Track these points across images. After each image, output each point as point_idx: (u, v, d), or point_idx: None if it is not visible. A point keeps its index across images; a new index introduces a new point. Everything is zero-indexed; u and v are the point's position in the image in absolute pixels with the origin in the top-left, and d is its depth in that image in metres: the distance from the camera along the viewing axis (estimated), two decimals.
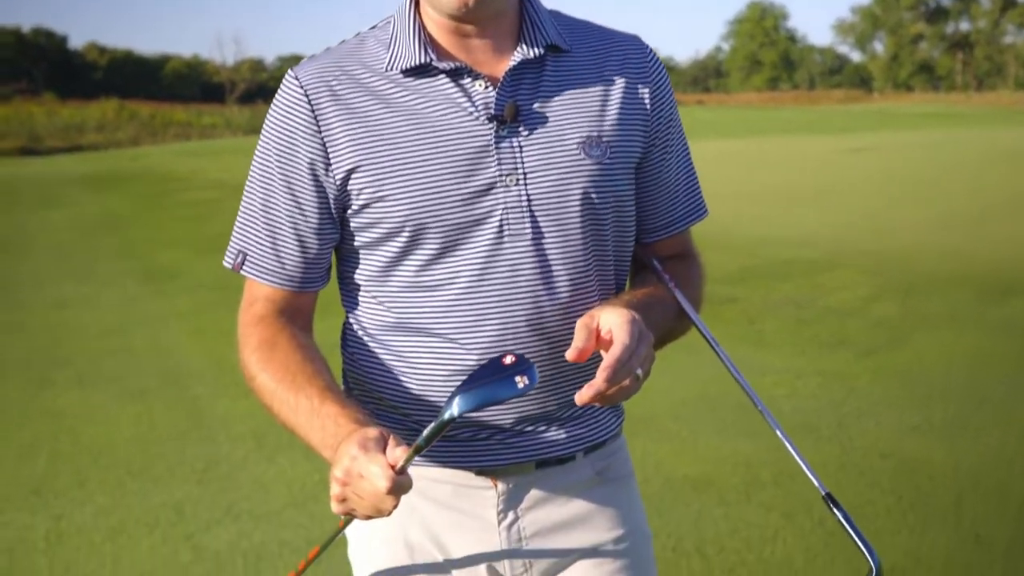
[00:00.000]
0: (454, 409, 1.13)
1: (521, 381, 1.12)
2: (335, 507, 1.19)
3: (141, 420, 4.97)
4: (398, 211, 1.32)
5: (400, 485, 1.13)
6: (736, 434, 4.42)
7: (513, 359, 1.14)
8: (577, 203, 1.36)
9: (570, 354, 1.22)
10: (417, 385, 1.39)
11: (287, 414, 1.32)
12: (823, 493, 1.36)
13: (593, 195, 1.36)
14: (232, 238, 1.43)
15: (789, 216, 11.50)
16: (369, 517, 1.19)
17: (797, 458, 1.39)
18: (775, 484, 3.89)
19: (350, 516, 1.21)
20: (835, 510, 1.35)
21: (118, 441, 4.68)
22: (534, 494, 1.43)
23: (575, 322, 1.34)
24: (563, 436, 1.42)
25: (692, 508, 3.74)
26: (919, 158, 17.51)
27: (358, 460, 1.15)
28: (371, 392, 1.45)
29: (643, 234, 1.51)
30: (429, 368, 1.38)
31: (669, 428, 4.62)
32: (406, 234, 1.33)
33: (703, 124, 29.49)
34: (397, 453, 1.14)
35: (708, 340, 1.45)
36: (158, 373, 5.82)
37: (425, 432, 1.15)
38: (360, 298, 1.42)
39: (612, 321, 1.24)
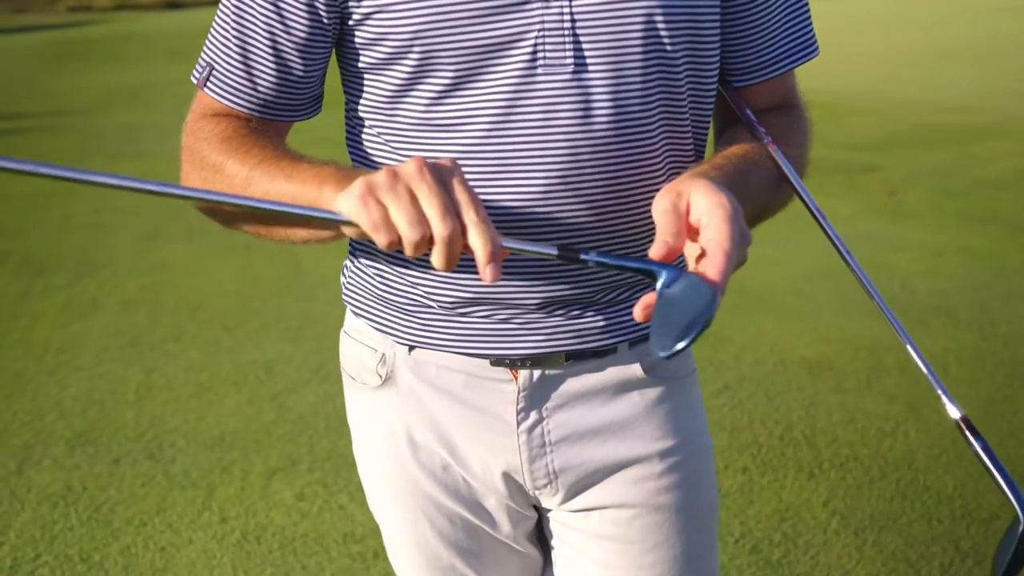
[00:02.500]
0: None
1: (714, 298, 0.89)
2: (357, 196, 0.91)
3: (242, 275, 4.90)
4: (405, 26, 1.04)
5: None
6: (861, 314, 4.05)
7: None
8: (639, 29, 1.05)
9: (656, 250, 0.91)
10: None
11: (267, 187, 1.02)
12: (957, 417, 1.04)
13: (659, 19, 1.05)
14: (203, 48, 1.15)
15: (942, 78, 10.68)
16: (392, 244, 0.90)
17: (920, 364, 1.08)
18: (900, 371, 3.55)
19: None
20: (971, 439, 1.03)
21: (217, 295, 4.62)
22: (563, 391, 1.18)
23: (627, 186, 1.10)
24: (601, 323, 1.16)
25: (806, 393, 3.44)
26: None
27: (433, 166, 0.90)
28: (372, 254, 1.20)
29: (733, 75, 1.19)
30: None
31: (788, 305, 4.29)
32: (414, 56, 1.05)
33: None
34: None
35: (813, 212, 1.15)
36: None
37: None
38: (363, 136, 1.16)
39: (705, 208, 0.92)
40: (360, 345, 1.24)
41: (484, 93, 1.06)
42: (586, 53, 1.05)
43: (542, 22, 1.03)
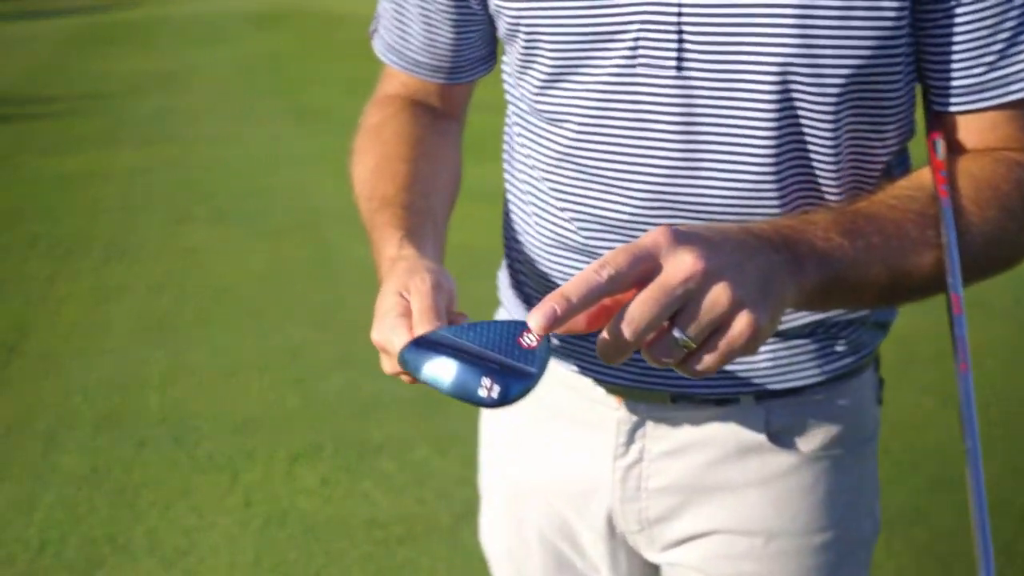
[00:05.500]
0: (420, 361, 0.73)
1: (487, 389, 0.69)
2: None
3: (270, 260, 4.89)
4: (512, 4, 0.94)
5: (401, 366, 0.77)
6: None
7: (530, 342, 0.71)
8: (763, 32, 0.83)
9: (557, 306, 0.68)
10: (527, 244, 1.05)
11: (363, 211, 1.02)
12: None
13: (794, 21, 0.82)
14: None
15: None
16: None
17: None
18: (933, 363, 3.50)
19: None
20: None
21: (244, 280, 4.61)
22: (671, 436, 1.01)
23: (735, 218, 0.90)
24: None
25: None
26: None
27: (386, 316, 0.81)
28: (515, 251, 1.10)
29: (934, 95, 0.89)
30: (532, 228, 1.03)
31: None
32: (522, 37, 0.95)
33: None
34: (424, 325, 0.78)
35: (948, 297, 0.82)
36: (295, 213, 5.74)
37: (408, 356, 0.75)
38: (508, 109, 1.08)
39: (654, 243, 0.70)
40: None
41: (582, 87, 0.93)
42: (693, 54, 0.87)
43: (645, 13, 0.87)
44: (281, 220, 5.59)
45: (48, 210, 5.91)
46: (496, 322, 0.72)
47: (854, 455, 1.03)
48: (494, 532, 1.21)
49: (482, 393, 0.69)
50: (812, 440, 1.01)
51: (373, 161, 1.05)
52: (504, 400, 0.69)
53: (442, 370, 0.71)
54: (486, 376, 0.69)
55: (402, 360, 0.74)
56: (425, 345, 0.73)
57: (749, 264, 0.71)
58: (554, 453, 1.10)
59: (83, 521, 2.72)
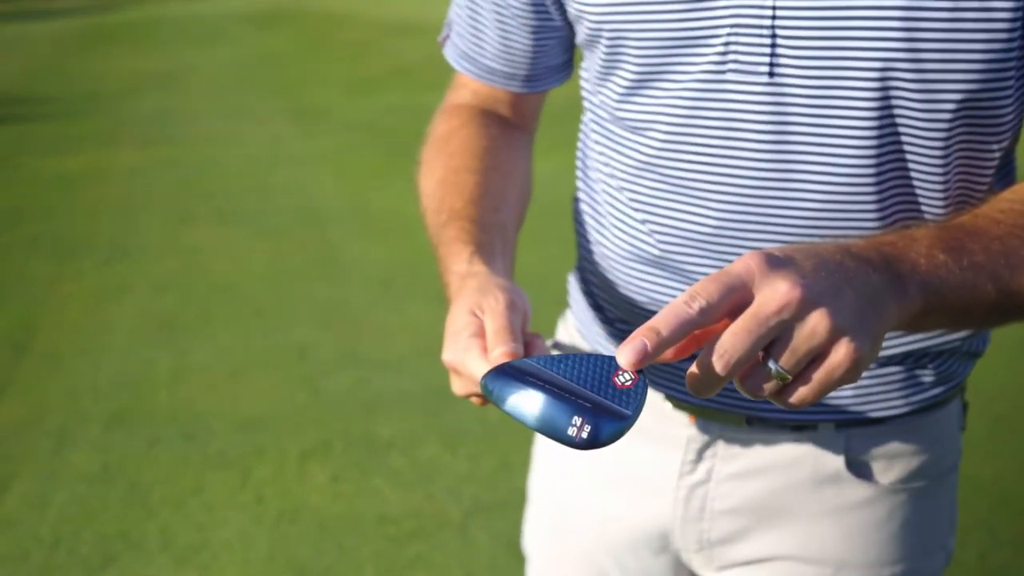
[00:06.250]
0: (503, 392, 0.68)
1: (576, 428, 0.65)
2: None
3: (273, 259, 4.91)
4: (595, 5, 0.91)
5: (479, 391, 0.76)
6: None
7: (626, 381, 0.66)
8: (866, 38, 0.80)
9: (644, 340, 0.65)
10: (600, 254, 1.02)
11: (430, 225, 0.99)
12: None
13: (900, 28, 0.78)
14: (452, 2, 1.08)
15: None
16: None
17: None
18: None
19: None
20: None
21: (248, 279, 4.63)
22: (743, 458, 0.98)
23: (829, 232, 0.86)
24: None
25: None
26: None
27: (459, 336, 0.80)
28: (587, 261, 1.08)
29: None
30: (608, 238, 1.00)
31: None
32: (605, 41, 0.92)
33: None
34: (499, 352, 0.76)
35: None
36: (296, 212, 5.75)
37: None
38: (584, 117, 1.05)
39: (747, 269, 0.66)
40: (563, 333, 1.16)
41: (668, 94, 0.89)
42: (788, 59, 0.83)
43: (736, 16, 0.83)
44: (282, 219, 5.60)
45: (49, 210, 5.92)
46: (588, 355, 0.68)
47: (934, 486, 1.00)
48: (536, 536, 1.19)
49: (571, 432, 0.64)
50: (892, 472, 0.98)
51: (441, 173, 1.02)
52: (594, 442, 0.64)
53: (528, 403, 0.66)
54: (577, 415, 0.64)
55: (485, 388, 0.69)
56: (511, 374, 0.68)
57: (848, 289, 0.66)
58: (612, 464, 1.06)
59: (96, 518, 2.74)
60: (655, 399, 1.02)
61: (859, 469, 0.97)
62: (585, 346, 1.11)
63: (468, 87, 1.10)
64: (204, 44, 14.76)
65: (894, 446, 0.97)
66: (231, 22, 17.87)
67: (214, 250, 5.08)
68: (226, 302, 4.35)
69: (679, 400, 1.00)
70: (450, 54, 1.09)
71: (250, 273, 4.71)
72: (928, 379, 0.96)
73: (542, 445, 1.19)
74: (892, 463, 0.97)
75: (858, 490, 0.97)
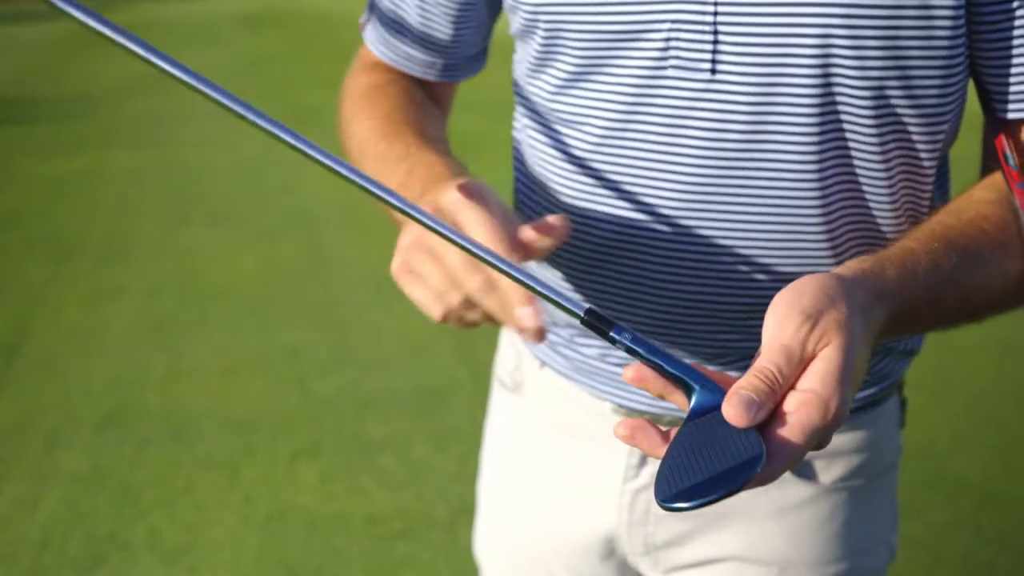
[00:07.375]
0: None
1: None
2: (395, 272, 0.79)
3: (265, 260, 4.93)
4: None
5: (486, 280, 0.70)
6: None
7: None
8: (807, 35, 0.79)
9: (721, 378, 0.67)
10: (559, 259, 0.98)
11: (372, 165, 0.91)
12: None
13: (840, 23, 0.78)
14: None
15: None
16: (424, 306, 0.77)
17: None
18: (921, 358, 3.53)
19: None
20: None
21: (240, 281, 4.64)
22: None
23: (770, 240, 0.86)
24: None
25: None
26: None
27: (456, 204, 0.73)
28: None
29: (994, 101, 0.84)
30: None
31: None
32: (541, 32, 0.90)
33: None
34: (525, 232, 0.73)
35: None
36: (288, 214, 5.77)
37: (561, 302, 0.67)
38: (516, 108, 1.03)
39: (820, 375, 0.63)
40: (507, 342, 1.15)
41: (607, 88, 0.87)
42: (729, 57, 0.82)
43: (678, 11, 0.82)
44: (275, 221, 5.61)
45: (44, 212, 5.92)
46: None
47: (874, 484, 1.01)
48: (489, 544, 1.19)
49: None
50: (832, 471, 0.98)
51: (382, 111, 0.98)
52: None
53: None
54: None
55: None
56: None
57: (860, 377, 0.66)
58: (557, 471, 1.07)
59: (85, 519, 2.75)
60: (598, 406, 1.02)
61: (801, 469, 0.97)
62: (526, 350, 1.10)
63: (382, 66, 1.08)
64: (197, 46, 14.76)
65: (833, 446, 0.96)
66: (222, 23, 17.86)
67: (208, 251, 5.09)
68: (220, 303, 4.36)
69: (621, 406, 1.00)
70: (370, 38, 1.07)
71: (244, 274, 4.72)
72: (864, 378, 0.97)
73: (489, 452, 1.18)
74: (832, 462, 0.98)
75: (800, 490, 0.98)
